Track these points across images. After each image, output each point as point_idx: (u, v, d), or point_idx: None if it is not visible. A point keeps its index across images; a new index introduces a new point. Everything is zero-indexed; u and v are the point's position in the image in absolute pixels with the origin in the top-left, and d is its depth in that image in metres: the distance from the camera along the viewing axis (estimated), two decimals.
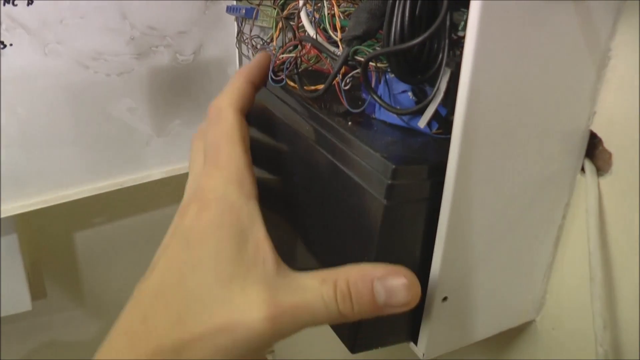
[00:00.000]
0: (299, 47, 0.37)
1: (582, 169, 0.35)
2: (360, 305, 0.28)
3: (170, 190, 0.77)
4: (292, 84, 0.39)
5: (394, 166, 0.29)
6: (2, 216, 0.55)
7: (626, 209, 0.33)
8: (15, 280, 0.67)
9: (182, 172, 0.63)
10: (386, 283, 0.28)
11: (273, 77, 0.39)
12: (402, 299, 0.28)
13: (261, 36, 0.46)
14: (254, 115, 0.44)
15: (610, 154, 0.34)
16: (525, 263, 0.37)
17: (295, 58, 0.37)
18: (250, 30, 0.46)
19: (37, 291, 0.78)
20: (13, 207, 0.56)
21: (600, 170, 0.34)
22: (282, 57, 0.38)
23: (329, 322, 0.29)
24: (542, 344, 0.40)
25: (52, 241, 0.78)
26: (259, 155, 0.43)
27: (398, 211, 0.30)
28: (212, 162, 0.33)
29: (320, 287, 0.28)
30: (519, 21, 0.27)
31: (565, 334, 0.38)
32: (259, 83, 0.39)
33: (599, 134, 0.34)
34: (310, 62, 0.38)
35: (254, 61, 0.39)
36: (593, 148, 0.35)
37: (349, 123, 0.34)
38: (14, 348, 0.82)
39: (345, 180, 0.32)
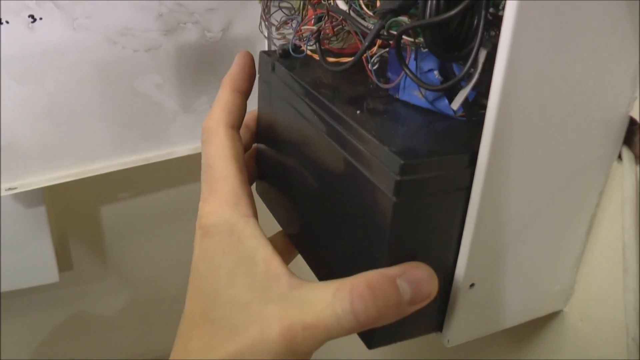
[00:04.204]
0: (325, 18, 0.36)
1: (619, 157, 0.34)
2: (387, 307, 0.27)
3: (195, 167, 0.78)
4: (315, 55, 0.37)
5: (402, 161, 0.27)
6: (31, 188, 0.56)
7: None
8: (44, 252, 0.68)
9: None
10: (409, 277, 0.28)
11: (294, 49, 0.38)
12: (427, 290, 0.28)
13: (286, 12, 0.45)
14: (263, 104, 0.43)
15: None
16: (555, 251, 0.36)
17: (318, 30, 0.36)
18: (267, 9, 0.45)
19: (64, 263, 0.79)
20: (41, 180, 0.57)
21: (639, 159, 0.33)
22: (304, 29, 0.37)
23: (346, 334, 0.28)
24: (569, 335, 0.39)
25: (79, 214, 0.79)
26: (270, 141, 0.43)
27: (409, 207, 0.29)
28: (207, 184, 0.33)
29: (334, 300, 0.27)
30: (561, 4, 0.26)
31: (594, 325, 0.37)
32: (247, 87, 0.38)
33: (639, 121, 0.33)
34: (329, 42, 0.37)
35: (235, 65, 0.38)
36: (632, 135, 0.33)
37: (358, 112, 0.32)
38: (41, 317, 0.84)
39: (355, 174, 0.31)
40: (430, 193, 0.29)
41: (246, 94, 0.38)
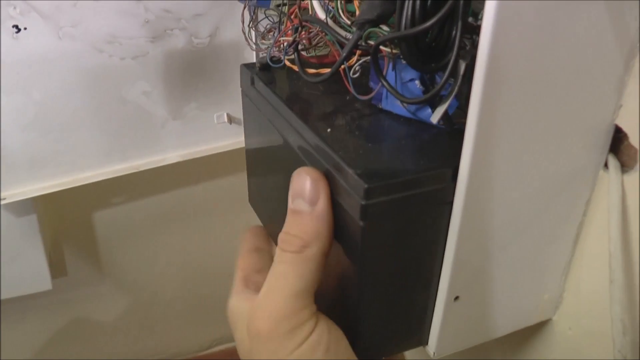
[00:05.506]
0: (300, 30, 0.36)
1: (605, 165, 0.33)
2: (301, 228, 0.30)
3: (188, 171, 0.78)
4: (293, 67, 0.37)
5: (366, 185, 0.26)
6: (20, 199, 0.56)
7: None
8: (36, 261, 0.68)
9: (198, 155, 0.63)
10: (293, 193, 0.30)
11: (272, 60, 0.38)
12: (309, 189, 0.30)
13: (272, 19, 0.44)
14: (247, 117, 0.43)
15: (635, 150, 0.32)
16: (542, 261, 0.35)
17: (294, 41, 0.36)
18: (255, 17, 0.45)
19: (58, 269, 0.79)
20: (30, 189, 0.57)
21: (625, 167, 0.33)
22: (282, 40, 0.37)
23: (296, 272, 0.30)
24: (559, 344, 0.38)
25: (72, 220, 0.79)
26: (255, 155, 0.42)
27: (379, 230, 0.28)
28: None
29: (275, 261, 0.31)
30: (541, 11, 0.26)
31: (583, 335, 0.36)
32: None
33: (625, 129, 0.32)
34: (312, 50, 0.37)
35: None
36: (618, 143, 0.33)
37: (329, 130, 0.32)
38: (38, 323, 0.84)
39: None
40: (404, 212, 0.28)
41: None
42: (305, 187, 0.30)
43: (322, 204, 0.30)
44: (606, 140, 0.33)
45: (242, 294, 0.34)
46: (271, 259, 0.40)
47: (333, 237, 0.30)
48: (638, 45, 0.30)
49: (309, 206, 0.30)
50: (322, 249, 0.30)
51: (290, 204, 0.31)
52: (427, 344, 0.34)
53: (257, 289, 0.33)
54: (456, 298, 0.32)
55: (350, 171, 0.27)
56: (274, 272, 0.31)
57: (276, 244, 0.41)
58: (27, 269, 0.68)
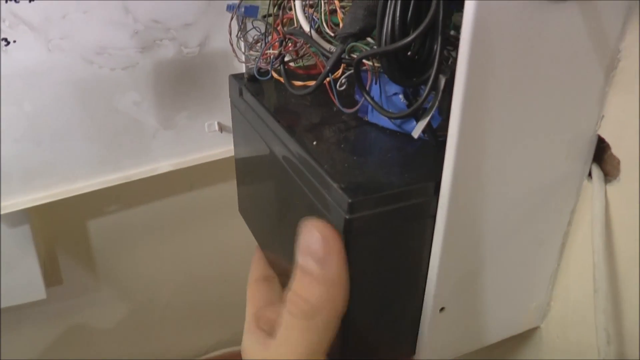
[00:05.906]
0: (285, 42, 0.36)
1: (589, 175, 0.33)
2: (310, 290, 0.28)
3: (180, 179, 0.78)
4: (280, 79, 0.37)
5: (349, 200, 0.27)
6: (13, 210, 0.56)
7: (634, 217, 0.31)
8: (30, 270, 0.68)
9: (190, 164, 0.63)
10: (304, 250, 0.28)
11: (259, 72, 0.38)
12: (319, 248, 0.28)
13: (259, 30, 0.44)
14: (236, 128, 0.43)
15: (618, 160, 0.32)
16: (529, 270, 0.35)
17: (280, 53, 0.36)
18: (243, 26, 0.45)
19: (53, 278, 0.79)
20: (23, 201, 0.57)
21: (608, 176, 0.33)
22: (268, 53, 0.37)
23: (305, 341, 0.28)
24: (547, 352, 0.39)
25: (67, 229, 0.79)
26: (244, 164, 0.42)
27: (363, 244, 0.28)
28: None
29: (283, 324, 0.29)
30: (518, 23, 0.26)
31: (570, 343, 0.37)
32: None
33: (607, 139, 0.32)
34: (300, 61, 0.37)
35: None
36: (601, 153, 0.33)
37: (314, 142, 0.32)
38: (34, 331, 0.84)
39: (312, 207, 0.31)
40: (388, 225, 0.28)
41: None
42: (315, 245, 0.28)
43: (335, 267, 0.27)
44: (589, 150, 0.33)
45: (254, 335, 0.33)
46: (280, 288, 0.39)
47: (348, 299, 0.29)
48: (618, 57, 0.30)
49: (319, 268, 0.27)
50: (334, 315, 0.28)
51: (300, 260, 0.28)
52: (414, 353, 0.34)
53: (269, 327, 0.32)
54: (442, 309, 0.32)
55: (334, 185, 0.28)
56: (282, 337, 0.29)
57: (268, 259, 0.41)
58: (22, 278, 0.68)
